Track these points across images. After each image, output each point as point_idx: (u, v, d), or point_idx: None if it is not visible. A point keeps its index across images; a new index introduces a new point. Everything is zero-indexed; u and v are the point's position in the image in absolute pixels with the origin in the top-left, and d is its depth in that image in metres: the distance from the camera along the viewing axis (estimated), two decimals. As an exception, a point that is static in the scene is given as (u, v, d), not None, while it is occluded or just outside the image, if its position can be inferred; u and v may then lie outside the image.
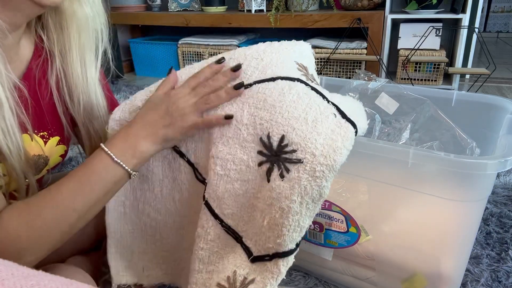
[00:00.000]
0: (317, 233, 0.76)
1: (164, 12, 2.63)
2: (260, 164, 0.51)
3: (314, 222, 0.75)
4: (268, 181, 0.49)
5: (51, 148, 0.58)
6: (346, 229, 0.72)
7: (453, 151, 0.59)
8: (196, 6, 2.63)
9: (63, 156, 0.62)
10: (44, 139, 0.57)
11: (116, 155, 0.49)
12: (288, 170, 0.48)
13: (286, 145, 0.48)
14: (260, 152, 0.51)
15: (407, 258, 0.70)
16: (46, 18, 0.55)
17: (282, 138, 0.49)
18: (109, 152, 0.49)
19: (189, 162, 0.58)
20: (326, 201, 0.72)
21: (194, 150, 0.57)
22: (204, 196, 0.55)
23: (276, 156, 0.49)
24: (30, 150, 0.54)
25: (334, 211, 0.72)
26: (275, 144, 0.49)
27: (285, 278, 0.82)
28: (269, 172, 0.49)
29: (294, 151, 0.48)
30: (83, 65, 0.58)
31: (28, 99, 0.53)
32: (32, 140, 0.54)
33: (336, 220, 0.73)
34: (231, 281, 0.52)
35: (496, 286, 0.78)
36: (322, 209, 0.73)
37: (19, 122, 0.50)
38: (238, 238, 0.54)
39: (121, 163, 0.50)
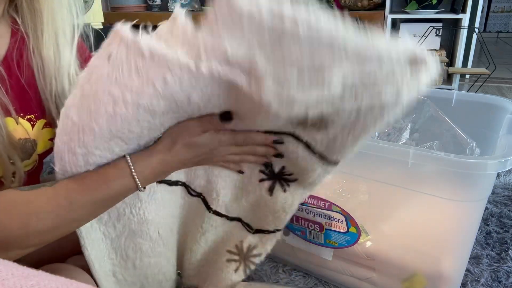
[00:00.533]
0: (317, 233, 0.76)
1: (164, 12, 2.63)
2: (261, 180, 0.60)
3: (314, 222, 0.75)
4: (271, 195, 0.60)
5: (38, 131, 0.57)
6: (346, 229, 0.72)
7: (453, 151, 0.60)
8: (196, 6, 2.63)
9: (53, 140, 0.61)
10: (32, 122, 0.56)
11: (142, 183, 0.49)
12: (289, 185, 0.59)
13: (286, 172, 0.58)
14: (261, 171, 0.59)
15: (407, 258, 0.70)
16: (19, 0, 0.55)
17: (283, 167, 0.58)
18: (138, 181, 0.49)
19: (180, 183, 0.61)
20: (326, 201, 0.72)
21: (184, 171, 0.60)
22: (210, 208, 0.62)
23: (277, 176, 0.59)
24: (16, 134, 0.53)
25: (334, 211, 0.72)
26: (276, 169, 0.58)
27: (285, 278, 0.82)
28: (271, 189, 0.60)
29: (292, 174, 0.58)
30: (56, 48, 0.56)
31: (7, 81, 0.53)
32: (17, 124, 0.54)
33: (336, 220, 0.73)
34: (239, 247, 0.65)
35: (496, 286, 0.78)
36: (322, 209, 0.73)
37: (1, 104, 0.50)
38: (239, 220, 0.65)
39: (142, 188, 0.50)
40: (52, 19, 0.55)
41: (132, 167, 0.48)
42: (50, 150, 0.61)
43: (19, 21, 0.56)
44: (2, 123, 0.49)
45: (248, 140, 0.54)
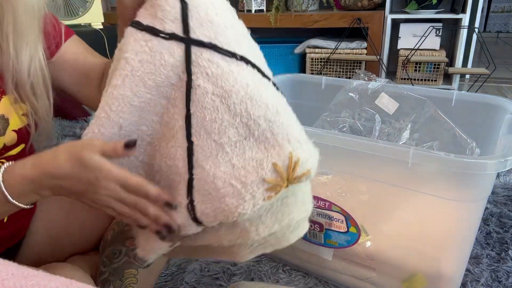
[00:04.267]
0: (317, 233, 0.76)
1: (164, 12, 2.62)
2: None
3: (314, 222, 0.75)
4: None
5: (6, 106, 0.56)
6: (346, 229, 0.72)
7: (453, 151, 0.59)
8: (196, 6, 2.63)
9: (26, 115, 0.59)
10: None
11: (14, 195, 0.44)
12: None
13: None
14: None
15: (407, 258, 0.70)
16: None
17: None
18: (5, 192, 0.44)
19: None
20: (326, 201, 0.72)
21: None
22: None
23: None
24: None
25: (334, 211, 0.72)
26: None
27: (285, 278, 0.82)
28: None
29: None
30: (15, 42, 0.54)
31: None
32: None
33: (336, 220, 0.73)
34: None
35: (496, 286, 0.78)
36: (322, 209, 0.73)
37: None
38: None
39: (16, 202, 0.45)
40: (14, 16, 0.53)
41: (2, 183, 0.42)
42: (25, 128, 0.59)
43: None
44: None
45: (140, 189, 0.44)
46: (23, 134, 0.59)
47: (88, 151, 0.43)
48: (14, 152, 0.59)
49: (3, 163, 0.56)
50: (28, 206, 0.46)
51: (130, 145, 0.44)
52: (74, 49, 0.66)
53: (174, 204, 0.45)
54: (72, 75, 0.66)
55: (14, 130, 0.57)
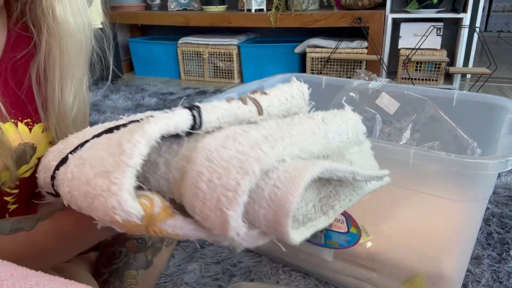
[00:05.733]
0: (318, 234, 0.76)
1: (163, 12, 2.63)
2: None
3: (314, 222, 0.75)
4: None
5: (37, 135, 0.56)
6: (346, 230, 0.72)
7: (454, 151, 0.59)
8: (196, 6, 2.63)
9: (52, 143, 0.60)
10: (29, 126, 0.56)
11: None
12: None
13: None
14: None
15: (407, 258, 0.70)
16: (35, 15, 0.54)
17: None
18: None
19: None
20: (326, 201, 0.72)
21: None
22: None
23: None
24: (15, 139, 0.52)
25: (335, 211, 0.72)
26: None
27: (285, 278, 0.82)
28: None
29: None
30: (62, 82, 0.55)
31: (2, 86, 0.52)
32: (17, 127, 0.53)
33: (336, 220, 0.72)
34: None
35: (497, 287, 0.78)
36: (322, 209, 0.73)
37: None
38: None
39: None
40: (66, 48, 0.54)
41: None
42: None
43: (35, 34, 0.54)
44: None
45: None
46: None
47: None
48: (28, 173, 0.60)
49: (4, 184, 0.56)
50: None
51: None
52: None
53: None
54: None
55: (38, 158, 0.58)
